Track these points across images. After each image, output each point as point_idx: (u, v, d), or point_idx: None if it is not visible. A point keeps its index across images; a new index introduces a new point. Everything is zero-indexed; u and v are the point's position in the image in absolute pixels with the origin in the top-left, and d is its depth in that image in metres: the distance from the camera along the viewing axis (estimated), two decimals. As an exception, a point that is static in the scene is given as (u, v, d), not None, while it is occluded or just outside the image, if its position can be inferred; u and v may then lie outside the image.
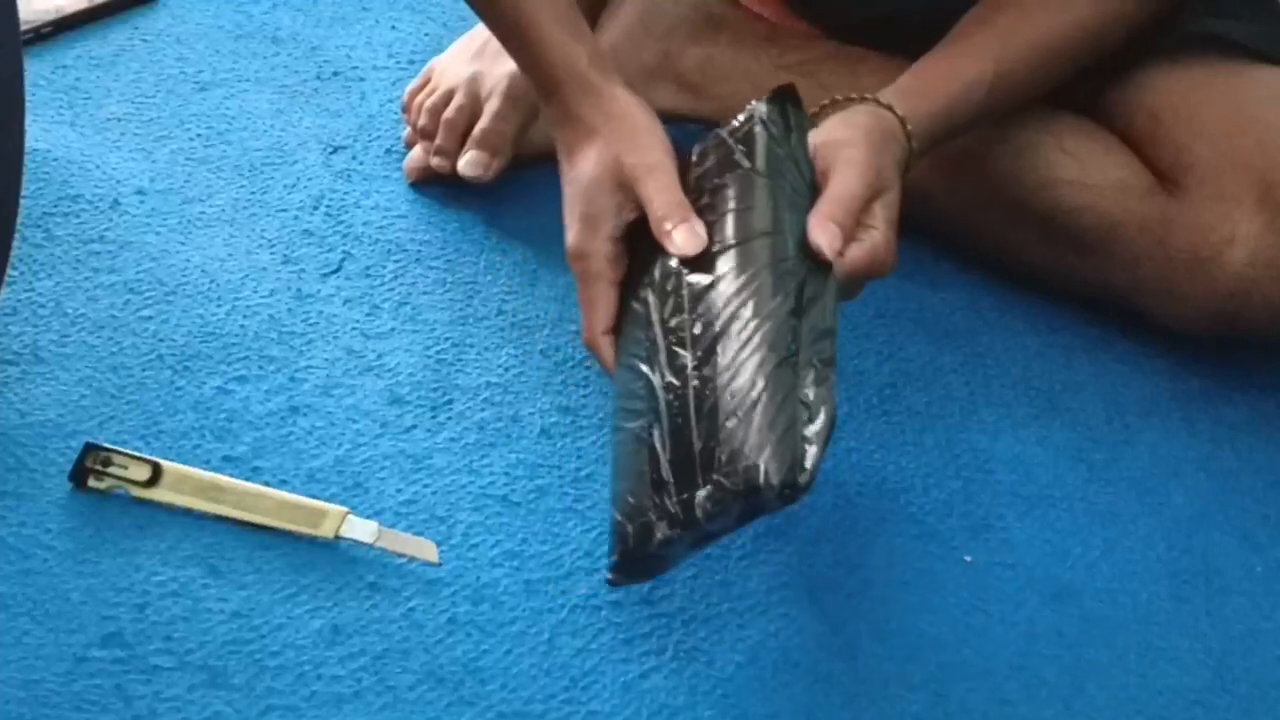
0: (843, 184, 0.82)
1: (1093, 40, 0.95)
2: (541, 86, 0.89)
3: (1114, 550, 0.86)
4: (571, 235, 0.85)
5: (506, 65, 1.07)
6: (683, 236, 0.80)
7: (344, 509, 0.81)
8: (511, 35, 0.90)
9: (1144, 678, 0.79)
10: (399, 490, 0.85)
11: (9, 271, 0.91)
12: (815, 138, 0.86)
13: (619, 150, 0.84)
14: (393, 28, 1.28)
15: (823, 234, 0.80)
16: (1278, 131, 0.93)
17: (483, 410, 0.91)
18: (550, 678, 0.76)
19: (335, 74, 1.21)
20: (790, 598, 0.81)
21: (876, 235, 0.83)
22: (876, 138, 0.86)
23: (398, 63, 1.23)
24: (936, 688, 0.77)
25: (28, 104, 0.86)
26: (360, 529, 0.81)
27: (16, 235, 0.88)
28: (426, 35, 1.27)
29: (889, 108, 0.88)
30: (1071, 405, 0.95)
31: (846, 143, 0.85)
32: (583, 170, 0.85)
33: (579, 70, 0.87)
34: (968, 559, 0.85)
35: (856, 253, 0.82)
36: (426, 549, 0.81)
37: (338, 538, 0.80)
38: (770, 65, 1.10)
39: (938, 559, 0.84)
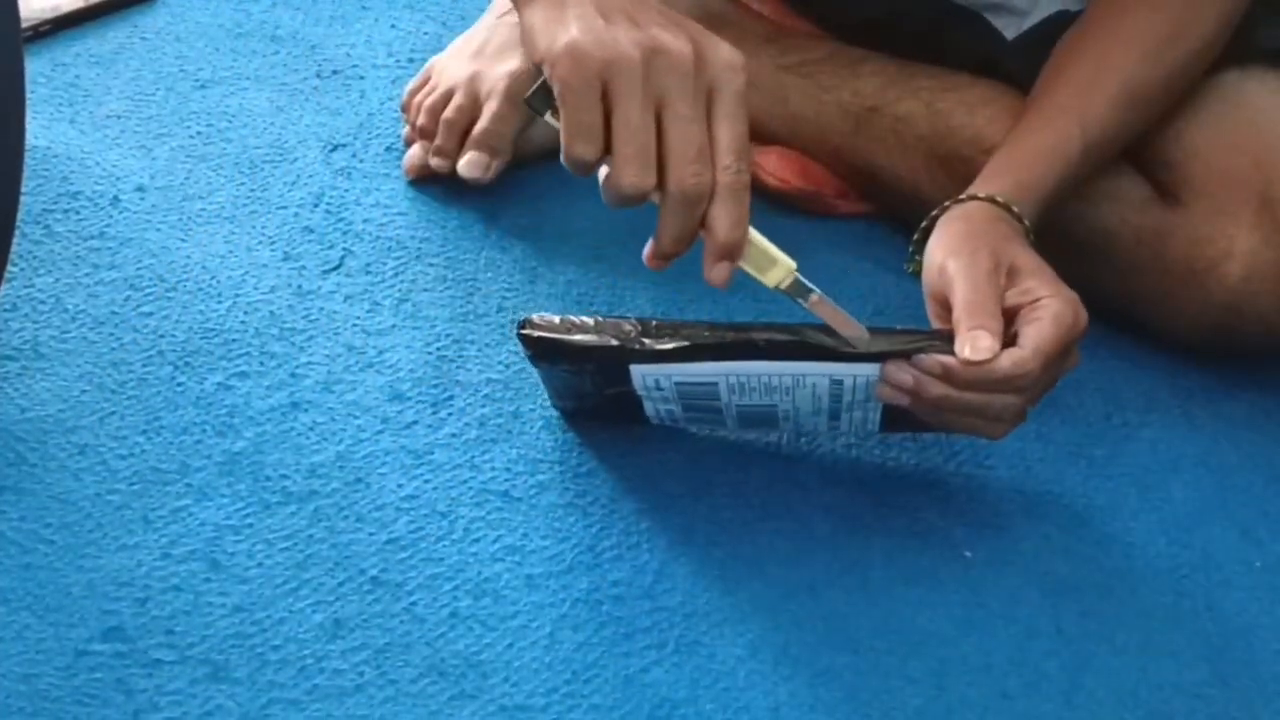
0: (965, 291, 0.79)
1: (1177, 77, 0.94)
2: None
3: (1113, 545, 0.86)
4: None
5: (506, 65, 1.07)
6: None
7: (793, 265, 0.78)
8: None
9: (1143, 672, 0.79)
10: (400, 485, 0.85)
11: (9, 267, 0.91)
12: (928, 261, 0.84)
13: None
14: (392, 26, 1.29)
15: (973, 347, 0.77)
16: (1275, 146, 0.93)
17: (484, 406, 0.91)
18: (552, 671, 0.76)
19: (335, 72, 1.21)
20: (791, 593, 0.81)
21: (1046, 307, 0.79)
22: (978, 227, 0.84)
23: (397, 61, 1.24)
24: (937, 682, 0.78)
25: (27, 101, 0.86)
26: (800, 290, 0.78)
27: (16, 232, 0.88)
28: (426, 34, 1.27)
29: (990, 199, 0.87)
30: (1071, 401, 0.95)
31: (950, 255, 0.82)
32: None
33: None
34: (967, 554, 0.85)
35: (1038, 334, 0.78)
36: (854, 329, 0.79)
37: (776, 288, 0.78)
38: (771, 65, 1.10)
39: (938, 555, 0.84)
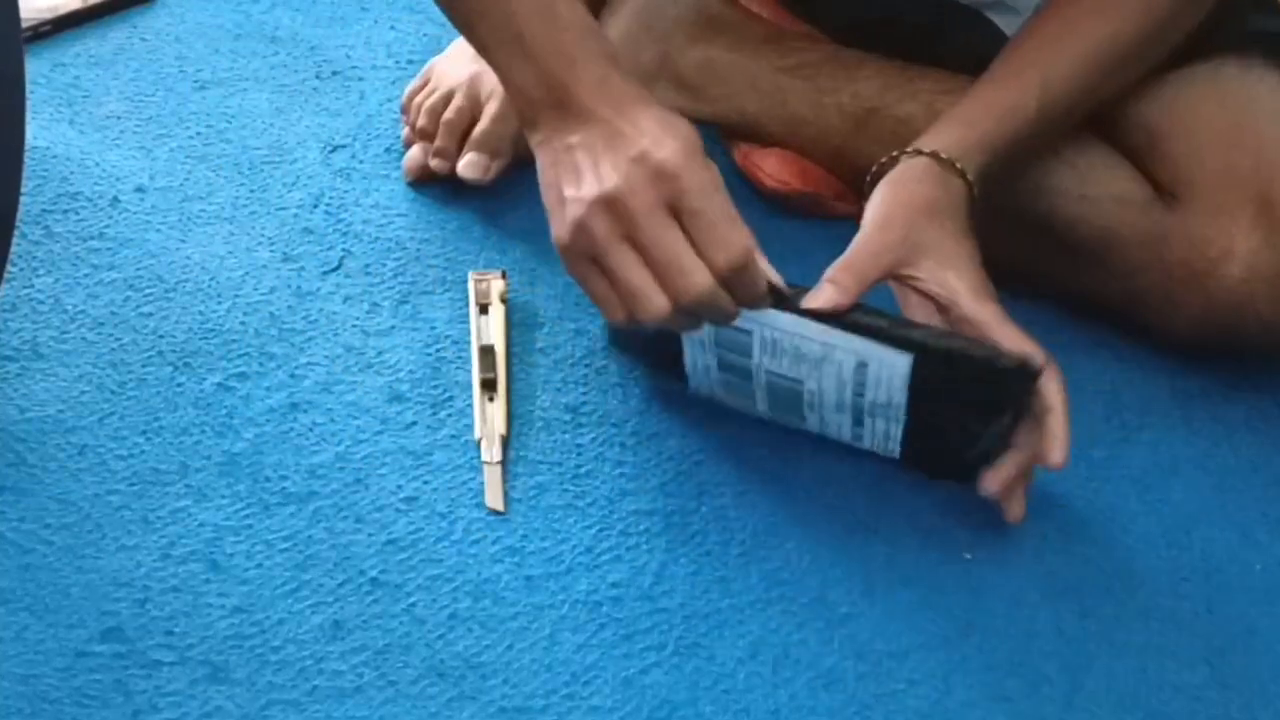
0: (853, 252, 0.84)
1: (1145, 46, 0.94)
2: (549, 73, 0.81)
3: (1113, 547, 0.86)
4: (675, 145, 0.78)
5: (506, 66, 1.07)
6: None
7: None
8: (512, 26, 0.82)
9: (1143, 674, 0.79)
10: (400, 486, 0.85)
11: (9, 268, 0.91)
12: (867, 214, 0.86)
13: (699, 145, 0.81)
14: (392, 28, 1.28)
15: (816, 296, 0.81)
16: (1275, 147, 0.93)
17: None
18: (551, 673, 0.76)
19: (334, 73, 1.21)
20: (791, 594, 0.81)
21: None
22: (918, 213, 0.85)
23: (397, 62, 1.23)
24: (937, 684, 0.77)
25: (28, 101, 0.86)
26: None
27: (16, 232, 0.88)
28: (425, 35, 1.27)
29: (934, 155, 0.87)
30: (1071, 403, 0.95)
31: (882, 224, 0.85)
32: (670, 117, 0.80)
33: (605, 47, 0.83)
34: (968, 556, 0.85)
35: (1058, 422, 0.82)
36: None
37: None
38: (770, 67, 1.10)
39: (938, 556, 0.84)
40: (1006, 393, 0.81)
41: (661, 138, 0.78)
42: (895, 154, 0.88)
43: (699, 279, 0.77)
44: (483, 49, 0.85)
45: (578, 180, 0.80)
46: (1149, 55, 0.95)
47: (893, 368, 0.81)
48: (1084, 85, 0.93)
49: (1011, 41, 0.95)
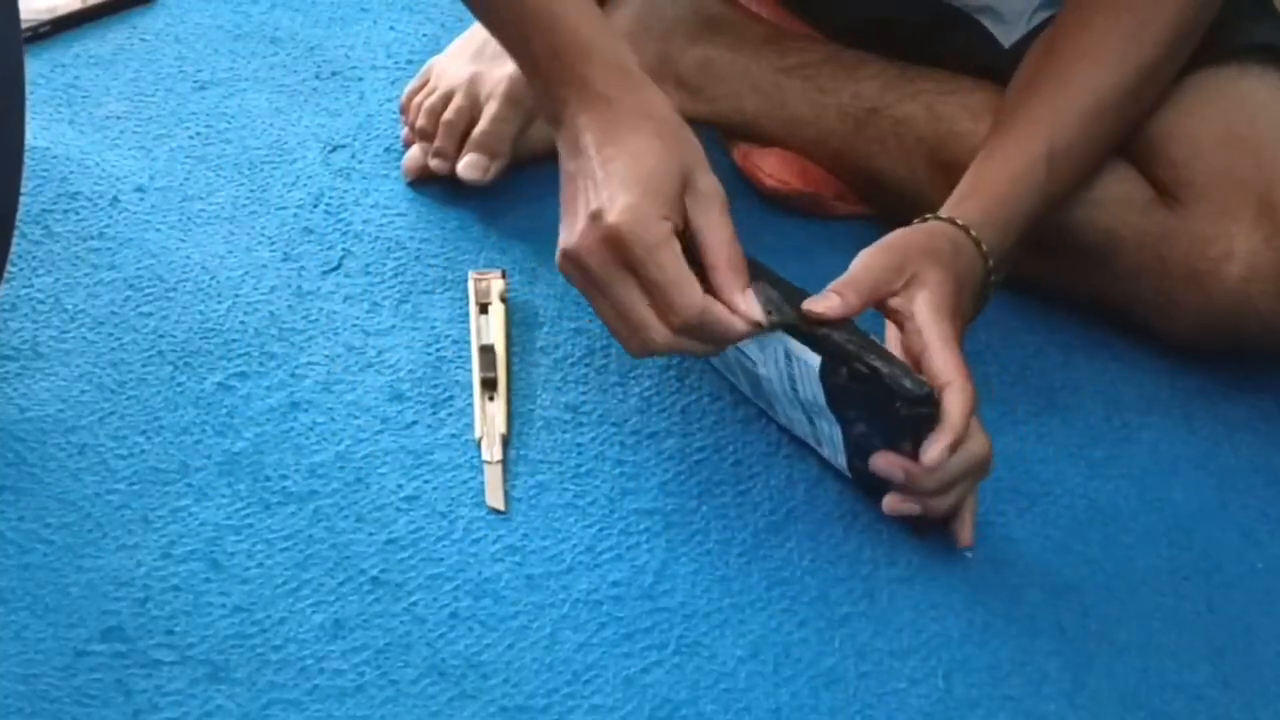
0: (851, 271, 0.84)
1: (1146, 84, 0.94)
2: (558, 61, 0.83)
3: (1114, 547, 0.86)
4: (626, 202, 0.78)
5: (506, 67, 1.07)
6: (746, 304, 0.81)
7: None
8: (524, 17, 0.85)
9: (1145, 673, 0.79)
10: (400, 486, 0.85)
11: (9, 267, 0.91)
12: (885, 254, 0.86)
13: (692, 163, 0.82)
14: (391, 28, 1.28)
15: (818, 302, 0.82)
16: (1276, 149, 0.93)
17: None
18: (552, 672, 0.76)
19: (334, 74, 1.21)
20: (791, 593, 0.81)
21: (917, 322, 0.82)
22: (916, 248, 0.85)
23: (396, 63, 1.23)
24: (939, 683, 0.77)
25: (27, 102, 0.86)
26: None
27: (16, 232, 0.88)
28: (425, 35, 1.27)
29: (951, 220, 0.87)
30: (1071, 403, 0.95)
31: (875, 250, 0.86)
32: (643, 151, 0.80)
33: (615, 52, 0.84)
34: (968, 555, 0.85)
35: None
36: None
37: None
38: (769, 68, 1.10)
39: (939, 555, 0.84)
40: (899, 418, 0.80)
41: (617, 193, 0.79)
42: (917, 219, 0.89)
43: (656, 335, 0.80)
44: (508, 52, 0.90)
45: (564, 218, 0.83)
46: (1148, 88, 0.94)
47: (808, 367, 0.82)
48: (1089, 137, 0.93)
49: (1014, 96, 0.95)
